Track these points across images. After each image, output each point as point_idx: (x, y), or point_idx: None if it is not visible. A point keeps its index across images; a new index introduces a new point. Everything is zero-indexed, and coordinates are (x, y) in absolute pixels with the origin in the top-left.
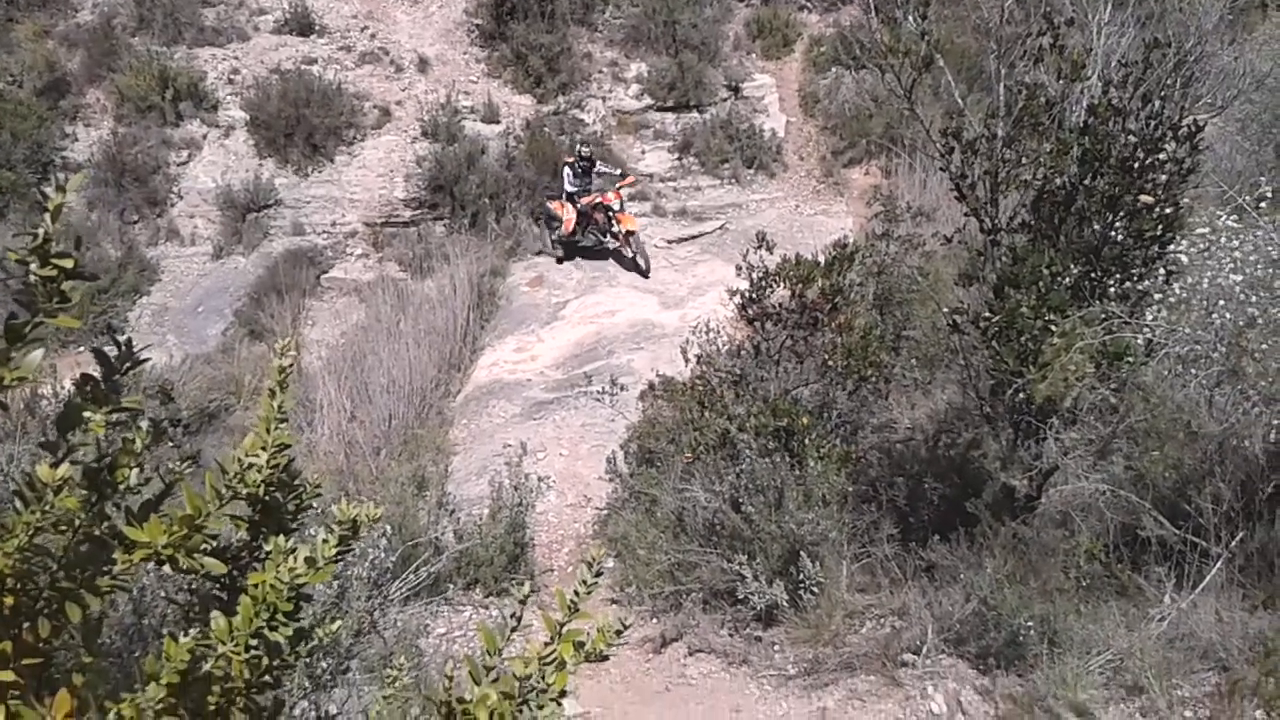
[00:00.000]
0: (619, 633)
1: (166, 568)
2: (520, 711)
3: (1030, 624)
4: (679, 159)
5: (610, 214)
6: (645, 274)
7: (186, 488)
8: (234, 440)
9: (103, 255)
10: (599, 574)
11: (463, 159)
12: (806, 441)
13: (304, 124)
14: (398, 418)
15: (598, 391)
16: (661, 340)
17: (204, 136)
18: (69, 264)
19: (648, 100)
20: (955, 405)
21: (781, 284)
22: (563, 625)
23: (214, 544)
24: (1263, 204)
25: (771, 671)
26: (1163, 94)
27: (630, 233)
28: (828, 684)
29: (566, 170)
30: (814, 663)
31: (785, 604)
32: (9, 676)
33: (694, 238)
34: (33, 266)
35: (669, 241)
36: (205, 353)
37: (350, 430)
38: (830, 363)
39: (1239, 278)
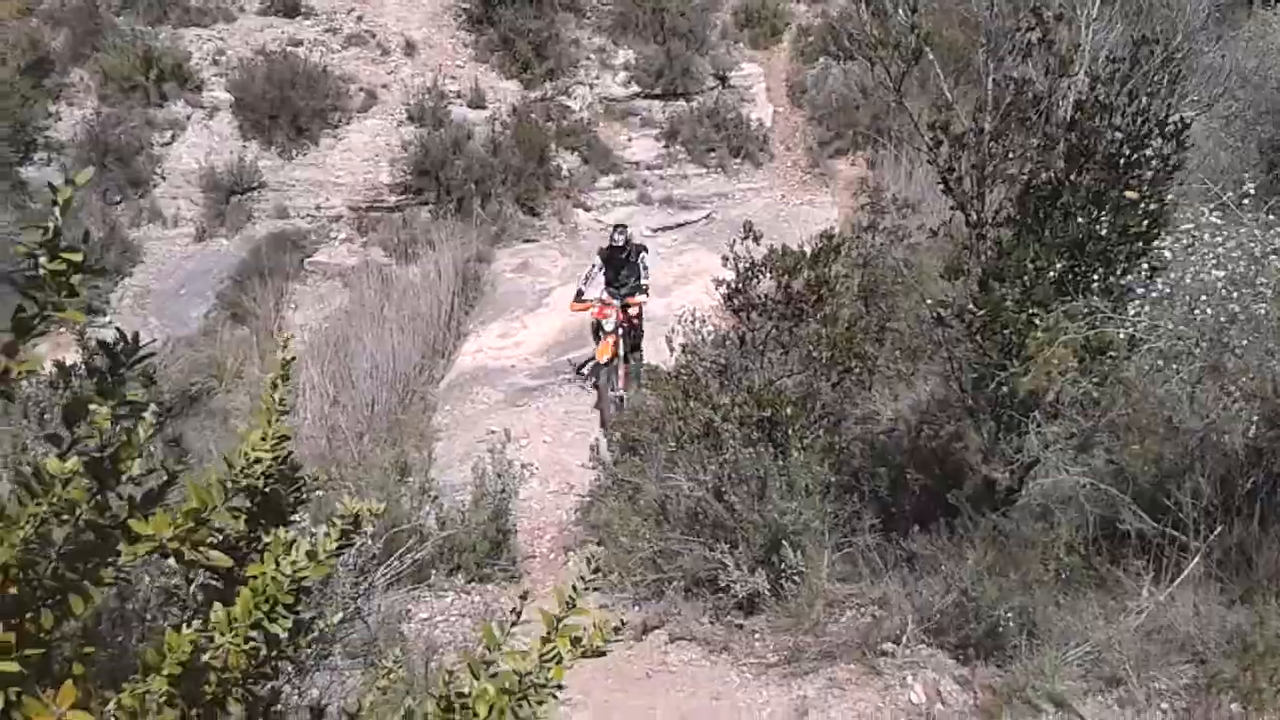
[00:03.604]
0: (616, 629)
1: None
2: (519, 706)
3: (1010, 615)
4: (666, 147)
5: (601, 333)
6: (603, 424)
7: (191, 482)
8: (216, 424)
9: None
10: (596, 570)
11: (449, 144)
12: (790, 432)
13: (289, 106)
14: (381, 403)
15: (582, 379)
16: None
17: (188, 117)
18: (78, 258)
19: (635, 88)
20: (938, 397)
21: (767, 274)
22: (559, 620)
23: (217, 537)
24: (1246, 200)
25: (752, 659)
26: (1149, 91)
27: (603, 365)
28: (808, 672)
29: (596, 259)
30: (794, 651)
31: (766, 593)
32: (12, 667)
33: (680, 226)
34: (42, 260)
35: (654, 230)
36: (187, 335)
37: (333, 415)
38: (815, 354)
39: (1221, 274)
